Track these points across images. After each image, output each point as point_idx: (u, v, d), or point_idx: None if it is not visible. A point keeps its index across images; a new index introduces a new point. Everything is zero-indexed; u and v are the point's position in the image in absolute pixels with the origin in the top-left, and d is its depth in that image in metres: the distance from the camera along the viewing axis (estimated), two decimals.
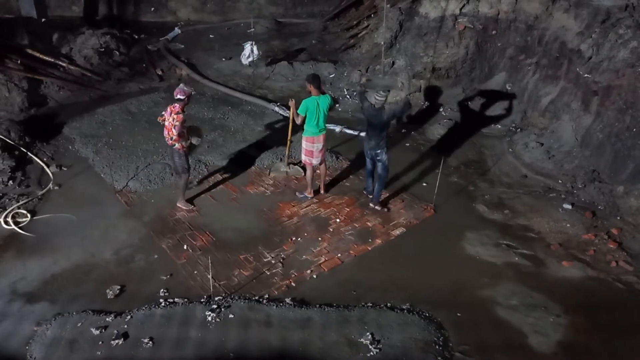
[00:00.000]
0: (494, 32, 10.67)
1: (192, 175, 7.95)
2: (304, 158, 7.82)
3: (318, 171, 7.97)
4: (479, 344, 5.47)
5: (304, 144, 7.69)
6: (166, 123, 7.18)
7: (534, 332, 5.59)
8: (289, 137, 8.26)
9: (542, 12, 9.87)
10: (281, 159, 8.72)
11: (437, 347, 5.40)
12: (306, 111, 7.38)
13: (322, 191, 8.06)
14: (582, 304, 5.99)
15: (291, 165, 8.58)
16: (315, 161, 7.73)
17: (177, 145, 7.24)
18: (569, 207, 7.58)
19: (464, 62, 10.90)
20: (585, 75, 8.48)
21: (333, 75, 12.01)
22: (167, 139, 7.28)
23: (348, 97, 11.27)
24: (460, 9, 10.71)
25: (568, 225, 7.27)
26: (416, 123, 10.32)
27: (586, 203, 7.69)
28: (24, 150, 8.85)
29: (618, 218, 7.27)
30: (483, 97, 10.66)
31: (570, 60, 8.93)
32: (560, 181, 8.22)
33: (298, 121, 7.53)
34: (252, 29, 14.56)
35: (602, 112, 8.16)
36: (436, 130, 9.88)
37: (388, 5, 11.14)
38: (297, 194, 8.03)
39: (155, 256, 6.72)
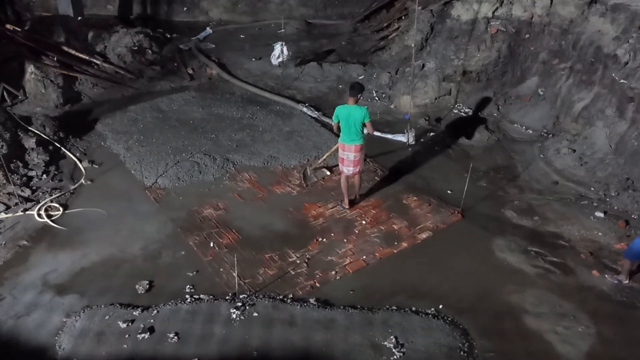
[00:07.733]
0: (527, 35, 10.50)
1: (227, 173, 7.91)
2: (339, 166, 7.62)
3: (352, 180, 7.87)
4: (505, 352, 5.40)
5: (339, 149, 7.51)
6: None
7: (562, 342, 5.49)
8: (331, 150, 8.25)
9: (578, 16, 9.66)
10: (308, 160, 8.71)
11: (462, 353, 5.34)
12: (339, 118, 7.20)
13: (355, 199, 7.83)
14: (612, 315, 5.85)
15: (318, 170, 8.56)
16: (346, 170, 7.46)
17: None
18: (601, 215, 7.41)
19: (495, 66, 10.75)
20: (621, 81, 8.28)
21: (362, 77, 11.98)
22: None
23: (377, 99, 11.23)
24: (493, 12, 10.58)
25: (600, 234, 7.11)
26: (445, 126, 10.23)
27: (619, 212, 7.51)
28: (58, 145, 9.06)
29: None
30: (514, 101, 10.50)
31: (606, 66, 8.72)
32: (592, 189, 8.03)
33: (334, 128, 7.44)
34: (282, 30, 14.60)
35: (637, 119, 7.95)
36: (465, 134, 9.76)
37: (419, 8, 11.05)
38: (340, 202, 7.79)
39: (182, 252, 6.81)
